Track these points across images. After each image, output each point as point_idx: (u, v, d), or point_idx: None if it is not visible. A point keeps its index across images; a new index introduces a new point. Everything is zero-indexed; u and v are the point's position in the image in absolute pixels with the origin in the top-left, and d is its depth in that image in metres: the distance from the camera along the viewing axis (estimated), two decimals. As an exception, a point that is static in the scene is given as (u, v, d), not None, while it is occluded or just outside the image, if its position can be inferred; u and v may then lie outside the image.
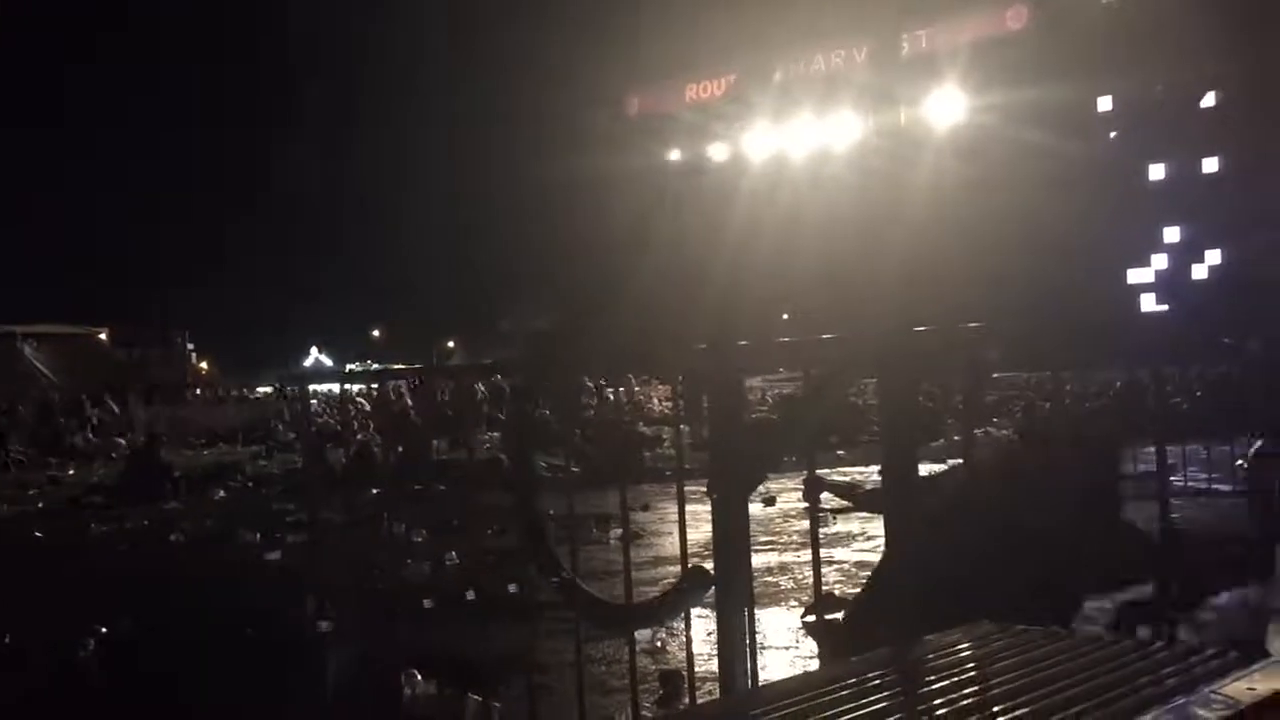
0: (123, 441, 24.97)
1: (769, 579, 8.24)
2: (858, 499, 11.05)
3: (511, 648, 5.02)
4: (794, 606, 7.30)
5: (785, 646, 6.43)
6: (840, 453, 15.72)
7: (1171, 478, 13.54)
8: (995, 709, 2.00)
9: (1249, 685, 2.04)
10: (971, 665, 2.31)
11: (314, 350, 60.33)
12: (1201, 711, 1.92)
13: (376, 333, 60.71)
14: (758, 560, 8.79)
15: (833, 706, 2.00)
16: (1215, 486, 11.34)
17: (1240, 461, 11.61)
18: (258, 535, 11.46)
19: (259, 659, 6.16)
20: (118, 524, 13.41)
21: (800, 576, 8.36)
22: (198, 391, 42.22)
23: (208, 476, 18.01)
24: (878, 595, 4.64)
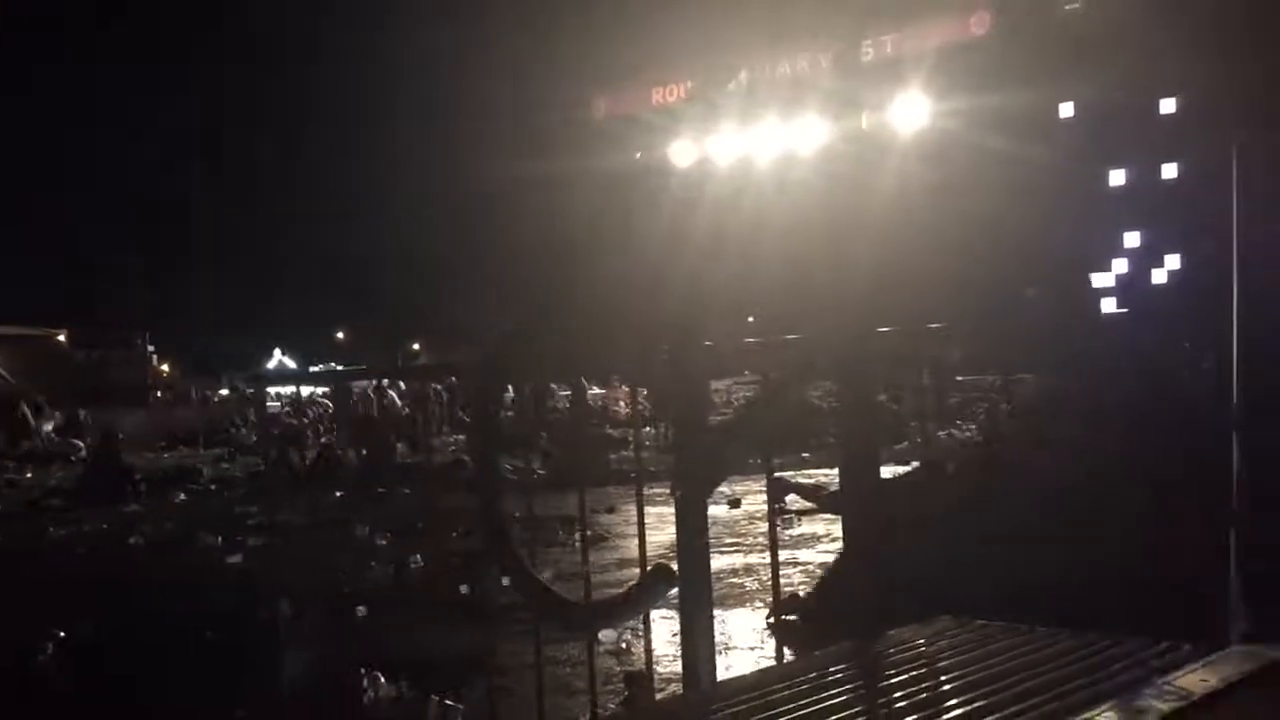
0: (80, 444, 24.64)
1: (734, 580, 8.27)
2: (821, 500, 11.12)
3: (475, 649, 5.01)
4: (759, 607, 7.33)
5: (751, 647, 6.46)
6: (806, 455, 15.79)
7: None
8: (952, 702, 2.02)
9: (1202, 677, 2.08)
10: (930, 659, 2.33)
11: (277, 352, 59.77)
12: (1155, 703, 1.95)
13: (341, 334, 60.24)
14: (723, 562, 8.80)
15: (791, 700, 2.01)
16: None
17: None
18: (219, 538, 11.35)
19: (220, 662, 6.11)
20: (76, 527, 13.26)
21: (765, 578, 8.39)
22: (159, 394, 41.74)
23: (168, 479, 17.83)
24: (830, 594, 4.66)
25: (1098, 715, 1.86)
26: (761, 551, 9.60)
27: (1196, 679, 2.06)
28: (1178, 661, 2.19)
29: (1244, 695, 2.02)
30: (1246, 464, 2.58)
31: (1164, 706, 1.92)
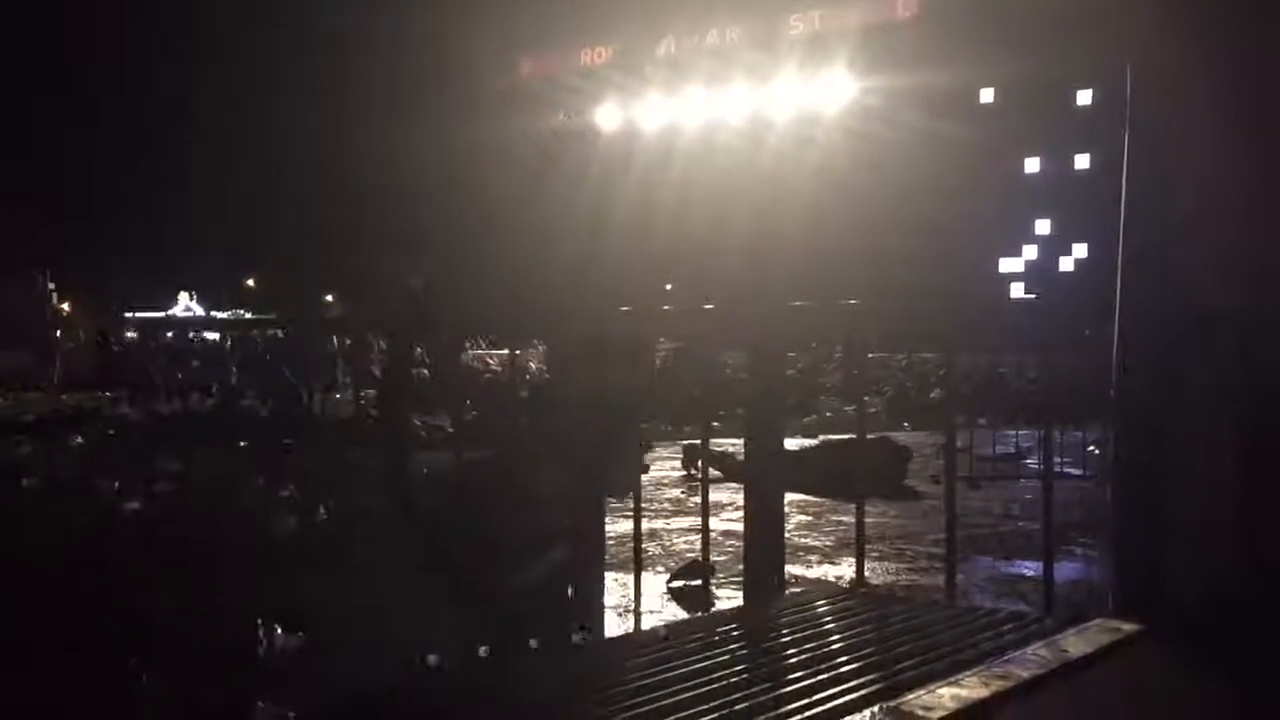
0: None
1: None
2: (729, 468, 11.28)
3: (380, 603, 5.00)
4: (660, 572, 7.43)
5: (652, 611, 6.55)
6: (716, 424, 15.93)
7: (1027, 461, 14.22)
8: (832, 663, 2.11)
9: (1063, 648, 2.21)
10: (818, 623, 2.43)
11: (184, 297, 58.34)
12: (1017, 670, 2.07)
13: (251, 281, 58.82)
14: (626, 526, 8.88)
15: (678, 656, 2.08)
16: (1066, 470, 11.91)
17: (1091, 447, 12.25)
18: (116, 484, 11.11)
19: (113, 614, 6.00)
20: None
21: (668, 544, 8.53)
22: (58, 334, 40.51)
23: (65, 422, 17.35)
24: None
25: (963, 679, 1.97)
26: (667, 517, 9.74)
27: (1057, 649, 2.19)
28: (1042, 633, 2.32)
29: (1099, 666, 2.15)
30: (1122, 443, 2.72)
31: (1024, 674, 2.03)
